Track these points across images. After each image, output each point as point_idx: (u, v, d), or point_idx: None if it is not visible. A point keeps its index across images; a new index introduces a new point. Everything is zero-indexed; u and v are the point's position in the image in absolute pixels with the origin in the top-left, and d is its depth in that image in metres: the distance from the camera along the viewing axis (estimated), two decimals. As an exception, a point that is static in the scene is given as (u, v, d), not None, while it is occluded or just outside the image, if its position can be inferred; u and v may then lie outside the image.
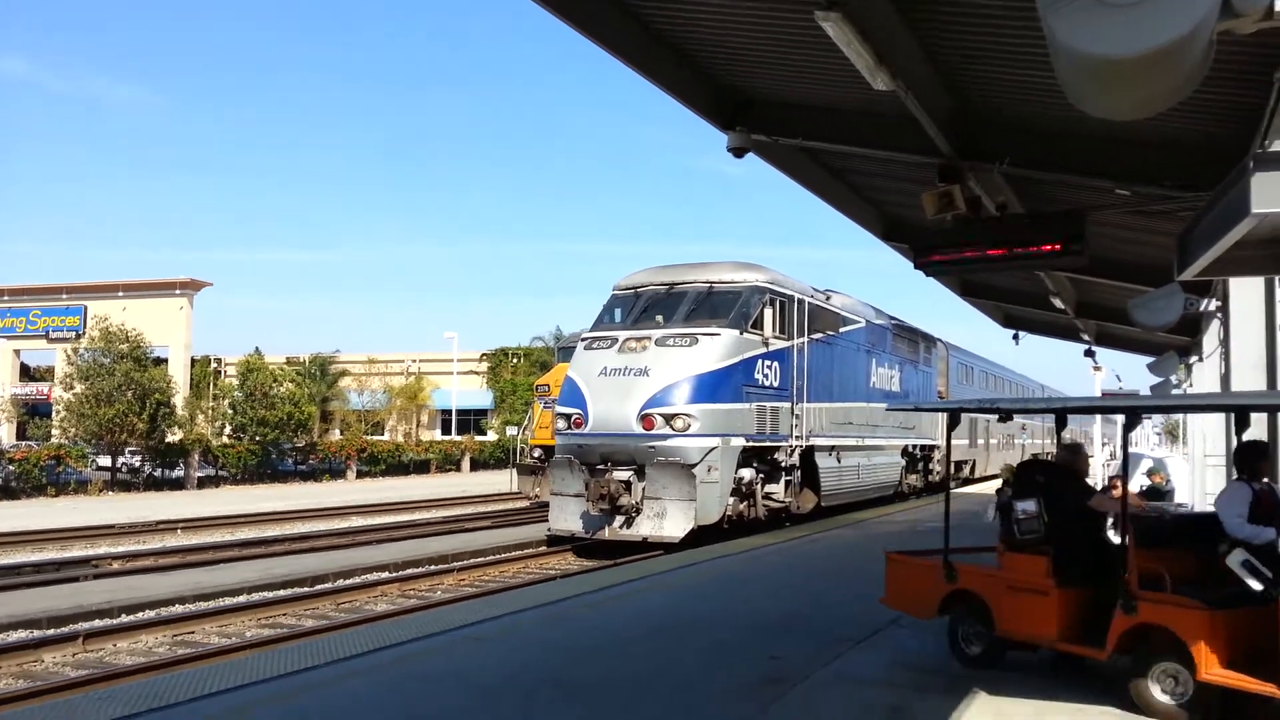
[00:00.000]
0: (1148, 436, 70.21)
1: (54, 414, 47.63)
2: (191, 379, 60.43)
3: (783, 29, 7.64)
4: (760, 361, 17.95)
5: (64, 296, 62.29)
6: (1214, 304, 12.34)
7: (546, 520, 18.28)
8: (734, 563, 13.78)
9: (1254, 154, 4.32)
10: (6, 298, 63.13)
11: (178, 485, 39.03)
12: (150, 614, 11.96)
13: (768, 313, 17.96)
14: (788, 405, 18.86)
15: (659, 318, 18.08)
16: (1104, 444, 41.93)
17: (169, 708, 6.04)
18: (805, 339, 19.58)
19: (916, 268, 9.73)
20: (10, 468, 33.92)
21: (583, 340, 18.05)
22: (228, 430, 47.73)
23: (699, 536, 16.50)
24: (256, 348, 61.18)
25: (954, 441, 29.04)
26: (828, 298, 21.33)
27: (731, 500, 17.53)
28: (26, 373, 67.64)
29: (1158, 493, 14.87)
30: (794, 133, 9.93)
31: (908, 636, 8.82)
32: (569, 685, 6.94)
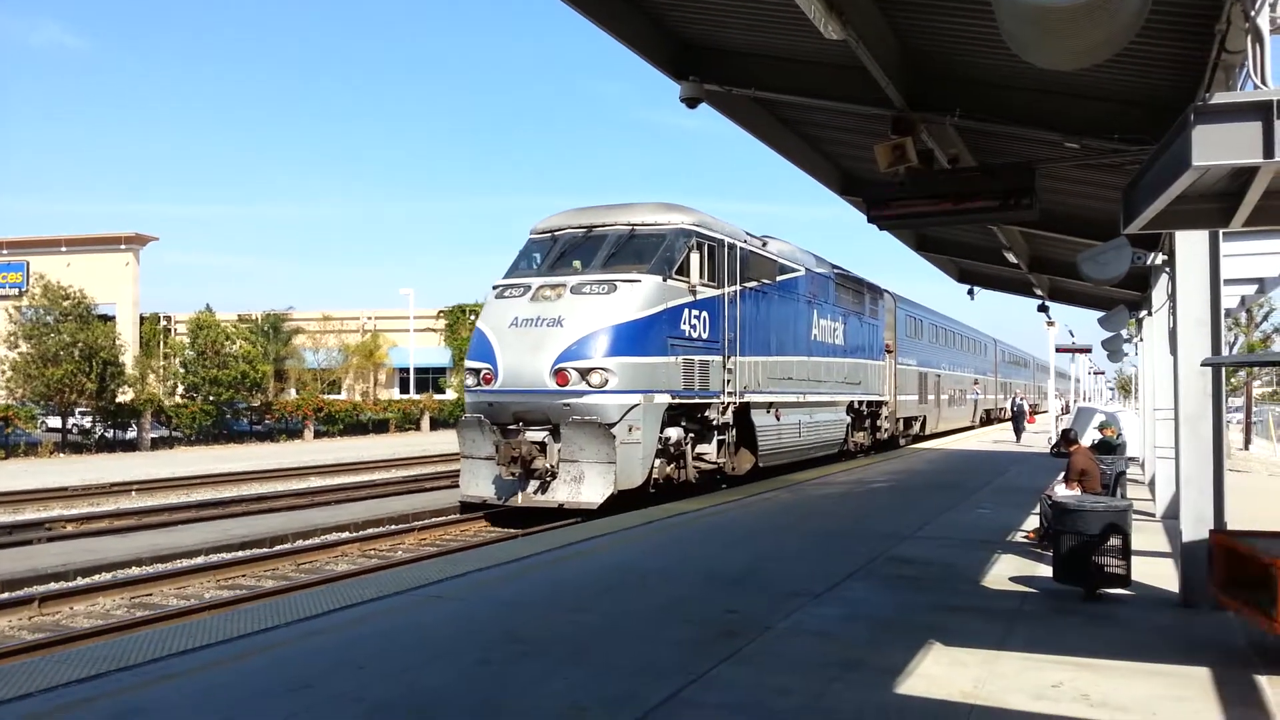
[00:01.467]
0: (1101, 391, 70.17)
1: None
2: (141, 337, 57.72)
3: None
4: (686, 311, 16.06)
5: (4, 252, 59.12)
6: (1161, 258, 12.06)
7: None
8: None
9: (1194, 106, 3.99)
10: None
11: (131, 447, 37.70)
12: (107, 576, 11.54)
13: (694, 258, 16.05)
14: (719, 359, 17.01)
15: (576, 263, 16.13)
16: (1058, 397, 40.91)
17: (130, 669, 5.86)
18: (738, 287, 17.70)
19: (870, 221, 9.40)
20: None
21: (494, 288, 16.08)
22: (180, 390, 45.79)
23: (622, 501, 14.69)
24: (207, 305, 58.23)
25: (902, 397, 27.47)
26: (764, 244, 19.44)
27: (658, 462, 15.74)
28: (-33, 331, 64.50)
29: (1109, 446, 14.30)
30: (747, 83, 9.49)
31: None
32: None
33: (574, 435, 14.59)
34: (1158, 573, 8.86)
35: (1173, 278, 8.51)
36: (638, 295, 15.17)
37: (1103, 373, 66.00)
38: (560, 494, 14.67)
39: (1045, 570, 8.93)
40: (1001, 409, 47.13)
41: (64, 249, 57.03)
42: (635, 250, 16.00)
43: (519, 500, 14.88)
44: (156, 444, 38.84)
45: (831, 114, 10.51)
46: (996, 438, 36.50)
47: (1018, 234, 15.84)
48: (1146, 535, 11.00)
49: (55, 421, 37.18)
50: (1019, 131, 9.01)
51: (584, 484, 14.63)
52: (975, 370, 41.85)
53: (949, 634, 6.77)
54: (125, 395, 40.27)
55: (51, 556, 12.31)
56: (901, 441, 29.58)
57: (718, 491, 16.84)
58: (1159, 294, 13.16)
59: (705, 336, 16.63)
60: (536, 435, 14.91)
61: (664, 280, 15.55)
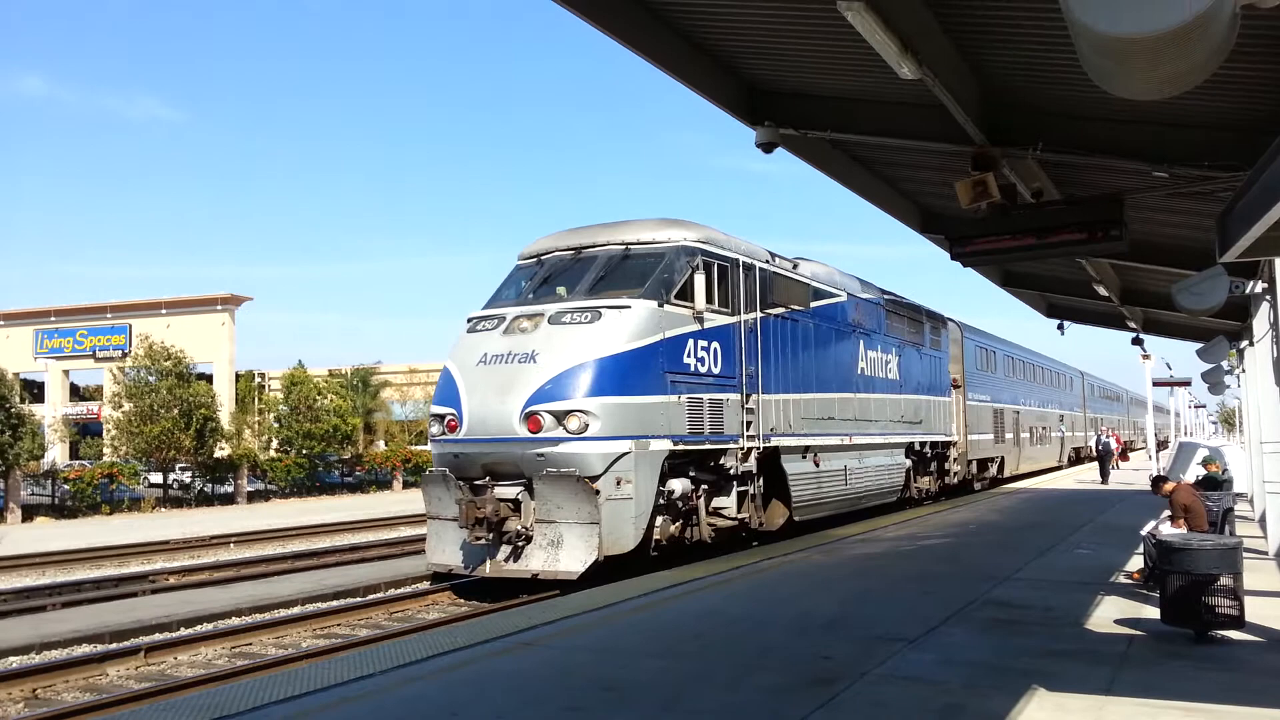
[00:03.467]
0: (1203, 425, 63.98)
1: (104, 433, 46.39)
2: (236, 394, 57.90)
3: (806, 20, 7.10)
4: (691, 342, 13.13)
5: (109, 315, 60.56)
6: (1261, 285, 11.28)
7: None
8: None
9: None
10: (54, 318, 61.52)
11: (228, 500, 37.88)
12: (208, 627, 11.57)
13: (699, 280, 13.14)
14: (735, 397, 13.99)
15: (561, 289, 13.41)
16: (1155, 433, 36.31)
17: (231, 717, 5.75)
18: (758, 314, 14.69)
19: (953, 259, 9.10)
20: (66, 487, 33.13)
21: (468, 321, 13.42)
22: (274, 444, 46.34)
23: (614, 568, 11.77)
24: (299, 361, 58.35)
25: (974, 436, 23.80)
26: (795, 266, 16.39)
27: (660, 521, 12.77)
28: (76, 393, 65.82)
29: (1214, 482, 12.83)
30: (822, 125, 9.12)
31: None
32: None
33: (549, 491, 11.75)
34: (1273, 613, 8.29)
35: (1274, 305, 8.39)
36: (627, 324, 12.33)
37: (1204, 406, 60.05)
38: (534, 562, 11.80)
39: (1151, 612, 8.28)
40: (1091, 447, 42.34)
41: (164, 311, 57.84)
42: (629, 272, 13.20)
43: (486, 569, 12.05)
44: (253, 497, 38.80)
45: (909, 152, 9.95)
46: (1080, 479, 32.19)
47: (1107, 266, 14.63)
48: (1259, 574, 10.16)
49: (156, 477, 37.44)
50: (1104, 162, 8.40)
51: (562, 549, 11.74)
52: (1060, 405, 37.43)
53: (1052, 679, 6.27)
54: (222, 450, 40.64)
55: (155, 608, 12.41)
56: (976, 486, 25.78)
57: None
58: (1260, 323, 12.24)
59: (717, 371, 13.64)
60: (509, 491, 12.11)
61: (660, 305, 12.68)
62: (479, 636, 8.07)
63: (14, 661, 9.91)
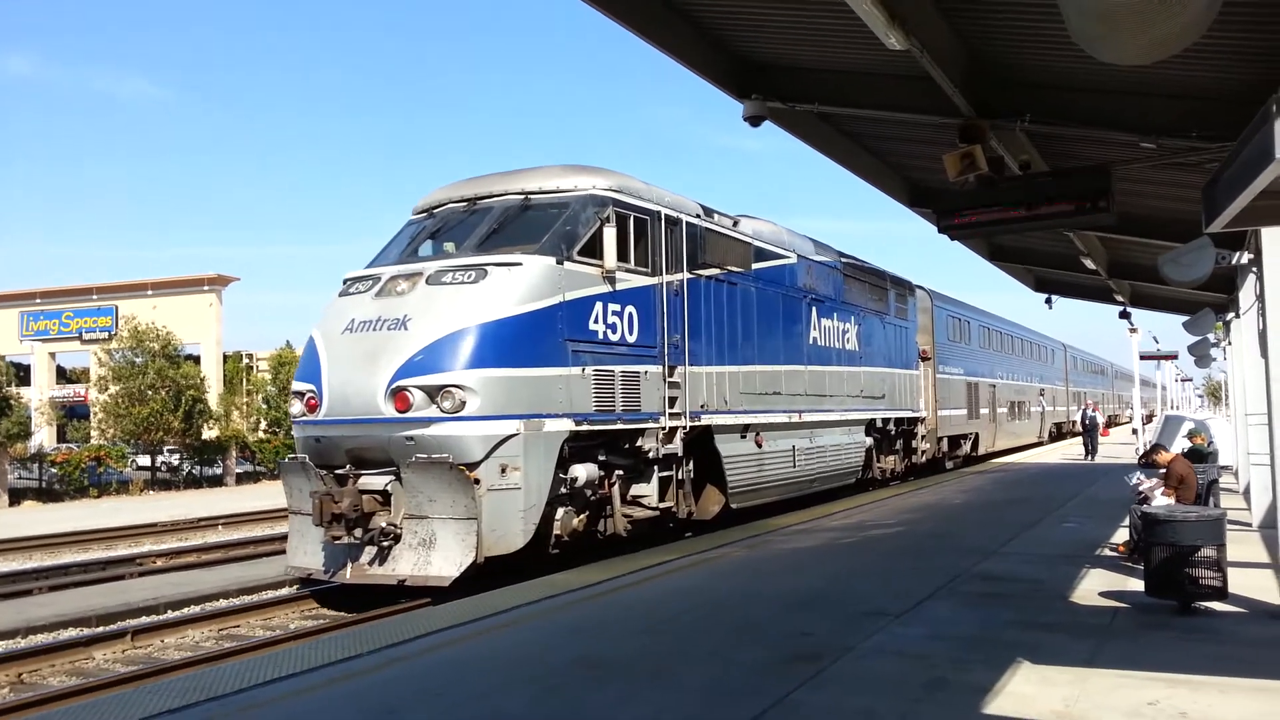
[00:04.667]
0: (1189, 399, 62.17)
1: (91, 415, 44.74)
2: (225, 375, 55.96)
3: None
4: (599, 305, 11.09)
5: (94, 297, 58.37)
6: (1247, 257, 10.84)
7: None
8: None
9: (1276, 97, 4.01)
10: (39, 300, 59.42)
11: (217, 482, 37.06)
12: (195, 609, 11.10)
13: (609, 234, 11.06)
14: (657, 369, 11.97)
15: (449, 245, 11.35)
16: (1142, 406, 34.55)
17: (217, 699, 5.63)
18: (685, 275, 12.63)
19: (940, 232, 8.82)
20: (53, 470, 32.39)
21: (343, 283, 11.35)
22: (263, 425, 45.10)
23: (505, 569, 9.86)
24: (287, 341, 56.43)
25: (945, 412, 21.81)
26: (735, 223, 14.30)
27: (562, 512, 10.77)
28: (62, 375, 63.65)
29: (1200, 454, 12.33)
30: (809, 98, 8.80)
31: None
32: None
33: (420, 481, 9.75)
34: (1256, 584, 8.27)
35: (1260, 277, 8.09)
36: (518, 283, 10.28)
37: (1190, 379, 58.15)
38: (403, 565, 9.81)
39: (1136, 584, 8.15)
40: (1074, 422, 40.45)
41: (150, 292, 55.63)
42: (527, 225, 11.13)
43: (347, 574, 10.06)
44: (241, 479, 38.02)
45: (897, 125, 9.72)
46: (1066, 454, 30.32)
47: (1095, 239, 14.18)
48: (1243, 546, 10.03)
49: (144, 460, 36.73)
50: (1092, 134, 8.26)
51: (435, 550, 9.76)
52: (1040, 379, 35.41)
53: (1037, 651, 6.14)
54: (211, 432, 39.49)
55: (143, 590, 12.05)
56: (948, 464, 23.83)
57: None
58: (1246, 294, 11.79)
59: (633, 340, 11.61)
60: (377, 481, 10.11)
61: (560, 263, 10.63)
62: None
63: (-1, 646, 9.49)
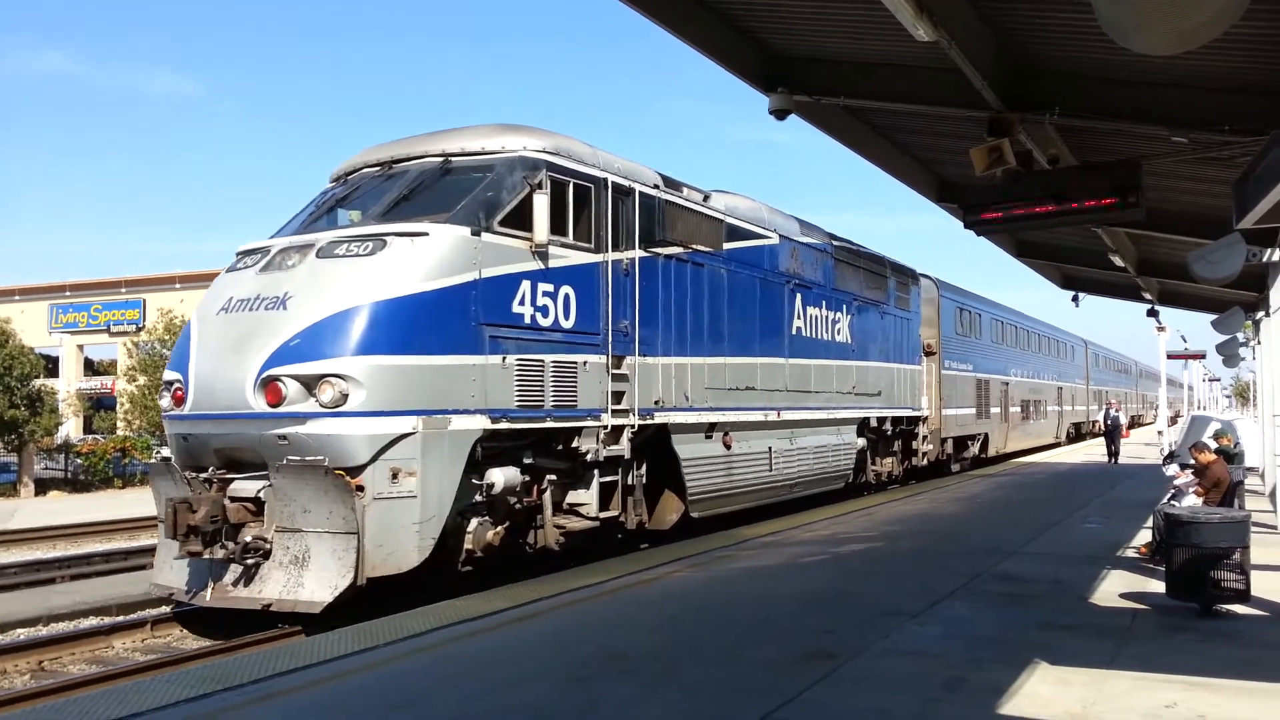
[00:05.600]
0: (1216, 398, 59.36)
1: (118, 407, 44.21)
2: (250, 368, 54.94)
3: None
4: (526, 285, 9.36)
5: (123, 290, 58.19)
6: (1279, 254, 10.65)
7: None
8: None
9: None
10: (69, 293, 59.26)
11: None
12: None
13: (540, 202, 9.31)
14: (599, 360, 10.22)
15: (354, 214, 9.64)
16: (1169, 407, 32.62)
17: (234, 689, 5.51)
18: (639, 253, 10.85)
19: (967, 227, 8.52)
20: (79, 461, 32.20)
21: (235, 256, 9.69)
22: None
23: (400, 592, 8.20)
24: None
25: (950, 411, 19.87)
26: (705, 198, 12.48)
27: (476, 524, 9.10)
28: (90, 367, 63.34)
29: (1226, 455, 11.18)
30: (836, 92, 8.41)
31: None
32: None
33: (292, 488, 8.10)
34: None
35: None
36: (421, 257, 8.58)
37: (1218, 379, 55.42)
38: (270, 587, 8.16)
39: (1157, 586, 7.81)
40: (1094, 422, 38.15)
41: (177, 285, 54.99)
42: (444, 191, 9.42)
43: (207, 596, 8.42)
44: None
45: (924, 119, 9.39)
46: (1084, 456, 28.21)
47: (1124, 235, 13.60)
48: (1268, 549, 9.67)
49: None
50: (1122, 127, 7.90)
51: (308, 570, 8.09)
52: (1058, 377, 33.13)
53: (1055, 652, 5.95)
54: None
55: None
56: (954, 467, 21.86)
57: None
58: (1277, 293, 11.81)
59: (568, 325, 9.87)
60: (249, 487, 8.47)
61: (477, 234, 8.90)
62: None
63: (21, 634, 9.45)
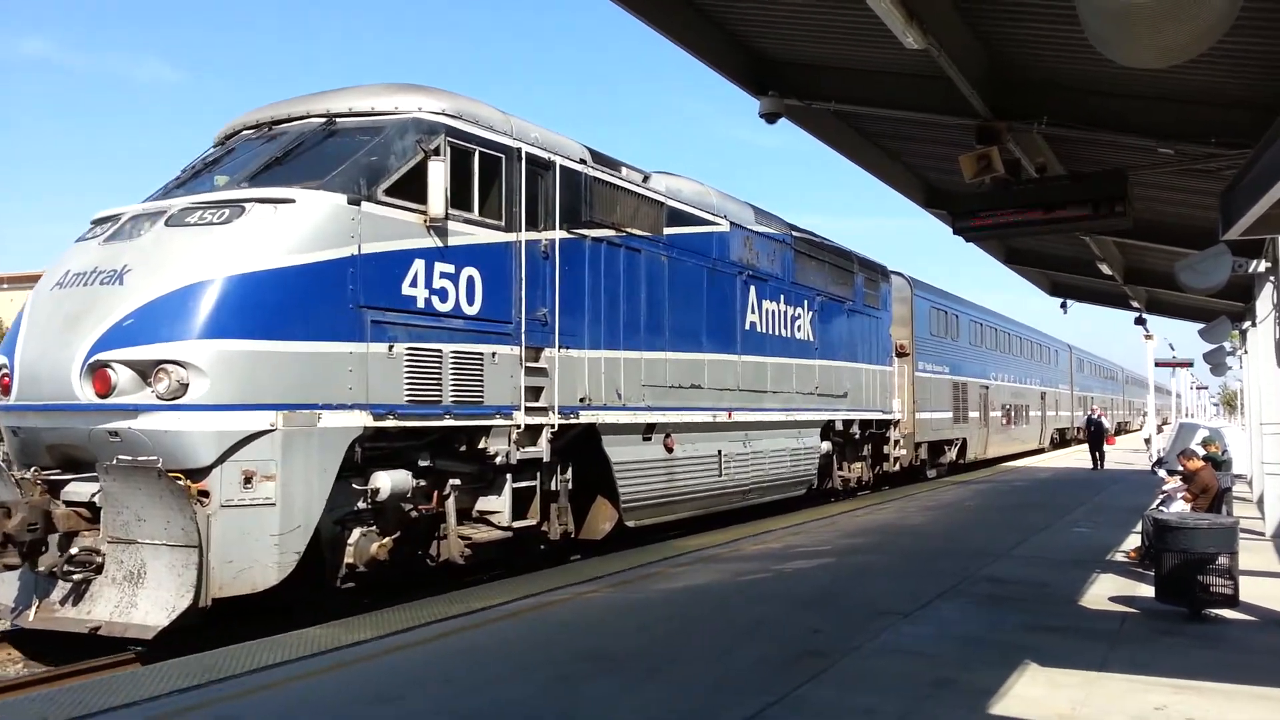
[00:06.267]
0: (1204, 407, 58.20)
1: None
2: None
3: None
4: (419, 264, 8.10)
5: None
6: (1264, 265, 10.65)
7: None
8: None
9: None
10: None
11: None
12: None
13: (436, 170, 8.06)
14: (510, 351, 8.95)
15: (220, 179, 8.35)
16: (1156, 414, 31.54)
17: (227, 680, 5.41)
18: (560, 233, 9.60)
19: (955, 233, 8.46)
20: None
21: (90, 224, 8.41)
22: None
23: (261, 614, 6.93)
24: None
25: (925, 414, 18.61)
26: (645, 178, 11.24)
27: (359, 535, 7.82)
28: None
29: (1214, 462, 10.87)
30: (826, 96, 8.38)
31: None
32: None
33: (124, 493, 6.80)
34: (1268, 593, 7.83)
35: (1277, 285, 8.61)
36: (286, 227, 7.31)
37: (1205, 387, 54.22)
38: (100, 607, 6.86)
39: (1147, 590, 7.71)
40: (1078, 428, 36.94)
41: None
42: (325, 155, 8.15)
43: (31, 616, 7.11)
44: None
45: (914, 125, 9.17)
46: (1068, 462, 26.96)
47: (1111, 244, 13.60)
48: (1255, 554, 9.59)
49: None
50: (1109, 138, 7.83)
51: (143, 588, 6.80)
52: (1041, 381, 31.87)
53: (1045, 654, 5.90)
54: None
55: None
56: (930, 473, 20.59)
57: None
58: (1263, 303, 11.51)
59: (472, 311, 8.60)
60: (84, 490, 7.18)
61: (355, 203, 7.64)
62: None
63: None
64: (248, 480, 6.95)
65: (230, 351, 6.90)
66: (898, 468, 18.19)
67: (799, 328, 14.42)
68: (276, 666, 5.84)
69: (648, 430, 10.95)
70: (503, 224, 8.95)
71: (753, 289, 13.16)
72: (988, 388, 24.27)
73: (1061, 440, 35.84)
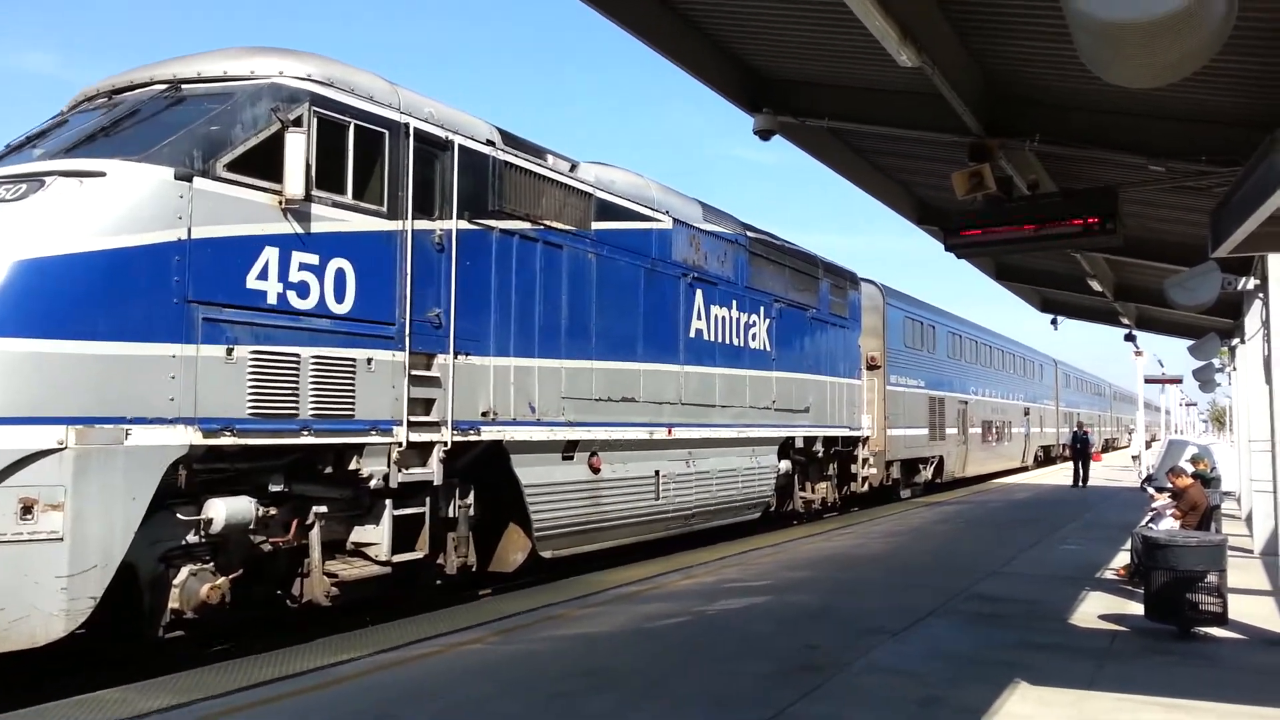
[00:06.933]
0: (1193, 423, 56.91)
1: None
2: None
3: (806, 5, 6.46)
4: (274, 253, 6.79)
5: None
6: (1254, 283, 10.07)
7: None
8: None
9: None
10: None
11: None
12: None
13: (295, 143, 6.75)
14: (391, 356, 7.62)
15: (38, 151, 7.01)
16: (1145, 430, 30.36)
17: (218, 697, 5.32)
18: (460, 223, 8.28)
19: (947, 249, 8.35)
20: None
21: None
22: None
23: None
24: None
25: (898, 431, 17.26)
26: (572, 167, 9.92)
27: (188, 575, 6.46)
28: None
29: (1203, 480, 10.79)
30: (820, 114, 8.21)
31: None
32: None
33: None
34: (1257, 611, 7.84)
35: (1266, 303, 8.01)
36: (91, 204, 5.99)
37: (1195, 404, 52.92)
38: None
39: (1136, 608, 7.59)
40: (1064, 445, 35.59)
41: None
42: (161, 125, 6.80)
43: None
44: None
45: (907, 142, 8.97)
46: (1052, 480, 25.64)
47: (1102, 261, 13.26)
48: (1244, 572, 9.49)
49: None
50: (1101, 155, 7.68)
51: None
52: (1025, 396, 30.50)
53: (1034, 672, 5.82)
54: None
55: None
56: (904, 492, 19.22)
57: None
58: (1252, 320, 11.39)
59: (344, 310, 7.28)
60: None
61: (185, 178, 6.31)
62: None
63: None
64: (27, 510, 5.59)
65: (7, 353, 5.55)
66: (866, 488, 16.82)
67: (754, 336, 13.08)
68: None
69: (569, 448, 9.60)
70: (385, 210, 7.62)
71: (699, 293, 11.82)
72: (967, 403, 22.91)
73: (1047, 458, 34.46)
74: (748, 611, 7.92)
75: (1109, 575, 9.69)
